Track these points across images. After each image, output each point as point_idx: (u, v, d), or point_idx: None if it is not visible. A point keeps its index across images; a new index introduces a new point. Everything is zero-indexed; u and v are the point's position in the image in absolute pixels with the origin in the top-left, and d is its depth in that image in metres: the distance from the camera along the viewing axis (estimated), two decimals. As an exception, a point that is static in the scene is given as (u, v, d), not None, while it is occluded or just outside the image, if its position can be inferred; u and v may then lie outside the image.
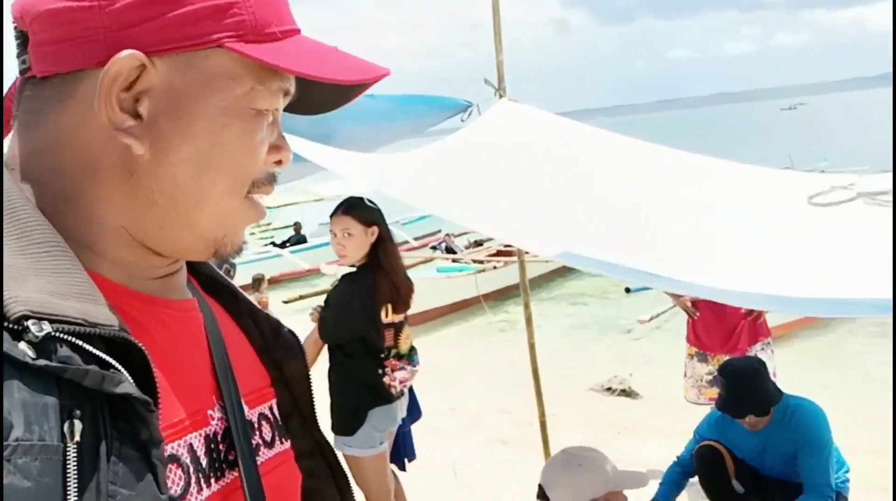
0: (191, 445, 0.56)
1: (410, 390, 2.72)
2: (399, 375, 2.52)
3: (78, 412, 0.44)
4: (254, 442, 0.62)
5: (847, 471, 2.79)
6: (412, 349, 2.67)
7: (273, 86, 0.55)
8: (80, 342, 0.45)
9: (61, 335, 0.44)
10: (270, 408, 0.67)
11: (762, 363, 2.92)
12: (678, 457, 2.95)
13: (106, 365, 0.46)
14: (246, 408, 0.63)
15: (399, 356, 2.56)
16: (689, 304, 3.67)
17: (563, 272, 9.27)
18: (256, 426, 0.64)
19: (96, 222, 0.54)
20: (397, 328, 2.56)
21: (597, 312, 8.33)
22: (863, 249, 2.08)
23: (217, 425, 0.59)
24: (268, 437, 0.65)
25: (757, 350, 3.52)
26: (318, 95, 0.60)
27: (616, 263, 1.57)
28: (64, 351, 0.44)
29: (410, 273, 2.73)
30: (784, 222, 2.28)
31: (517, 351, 7.31)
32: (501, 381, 5.96)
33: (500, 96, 2.87)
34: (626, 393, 5.85)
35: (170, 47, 0.51)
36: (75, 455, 0.43)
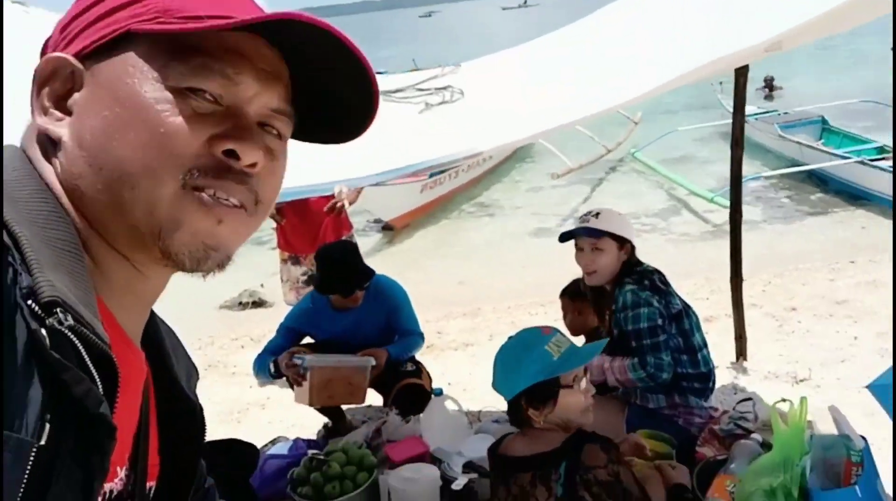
0: (110, 492, 0.56)
1: None
2: None
3: (48, 415, 0.42)
4: None
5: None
6: None
7: (192, 62, 0.55)
8: (81, 348, 0.45)
9: (70, 335, 0.44)
10: (150, 489, 0.65)
11: (353, 244, 3.08)
12: (265, 349, 2.97)
13: (91, 380, 0.45)
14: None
15: None
16: (273, 211, 3.62)
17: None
18: None
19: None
20: None
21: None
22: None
23: (118, 484, 0.58)
24: None
25: (342, 243, 3.67)
26: (333, 126, 0.66)
27: None
28: (68, 350, 0.44)
29: None
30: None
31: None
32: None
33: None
34: (258, 304, 5.79)
35: (90, 44, 0.56)
36: (32, 459, 0.42)
